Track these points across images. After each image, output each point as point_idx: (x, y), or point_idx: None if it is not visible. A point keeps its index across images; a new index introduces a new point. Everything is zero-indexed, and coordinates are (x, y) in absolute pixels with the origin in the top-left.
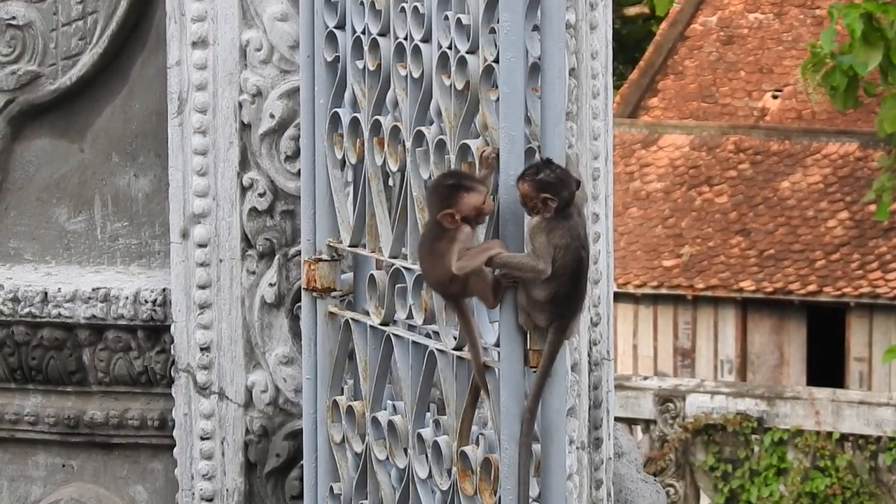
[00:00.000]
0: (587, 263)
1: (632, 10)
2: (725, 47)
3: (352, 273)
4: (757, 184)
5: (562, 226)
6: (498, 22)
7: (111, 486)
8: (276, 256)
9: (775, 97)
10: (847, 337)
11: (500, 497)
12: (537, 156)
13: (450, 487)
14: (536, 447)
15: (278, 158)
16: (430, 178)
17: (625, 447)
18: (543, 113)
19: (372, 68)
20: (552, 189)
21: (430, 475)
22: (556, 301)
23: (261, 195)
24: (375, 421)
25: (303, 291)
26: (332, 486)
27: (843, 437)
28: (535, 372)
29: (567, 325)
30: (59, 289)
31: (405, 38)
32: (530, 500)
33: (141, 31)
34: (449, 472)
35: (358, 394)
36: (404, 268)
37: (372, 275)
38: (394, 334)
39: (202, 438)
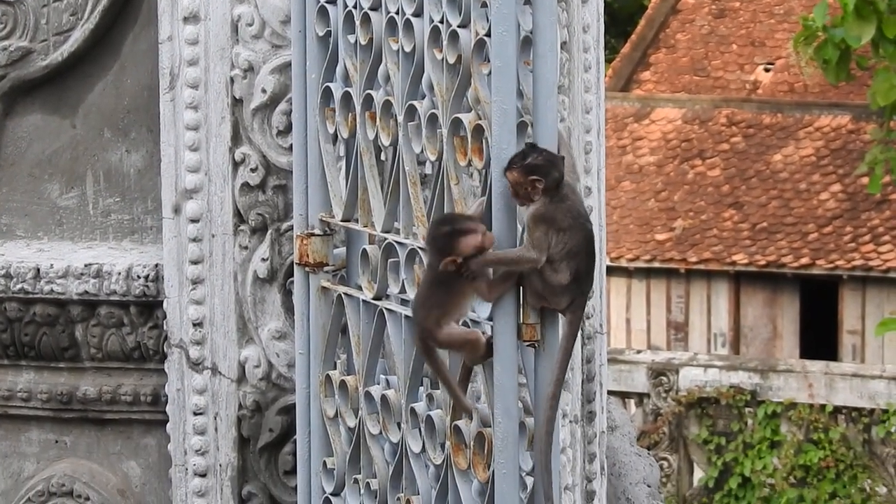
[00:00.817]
0: (593, 235)
1: None
2: (717, 20)
3: (344, 248)
4: (749, 157)
5: (560, 209)
6: None
7: (104, 462)
8: (269, 231)
9: (767, 70)
10: (840, 310)
11: (493, 471)
12: (529, 129)
13: (443, 461)
14: (529, 420)
15: (270, 133)
16: (422, 151)
17: (618, 421)
18: (535, 86)
19: (364, 42)
20: (540, 171)
21: (423, 449)
22: (577, 280)
23: (253, 170)
24: (369, 395)
25: (295, 266)
26: (325, 461)
27: (837, 410)
28: (528, 346)
29: (585, 302)
30: (52, 265)
31: (397, 12)
32: (523, 474)
33: (132, 7)
34: (442, 446)
35: (351, 368)
36: (397, 242)
37: (364, 249)
38: (387, 308)
39: (195, 414)
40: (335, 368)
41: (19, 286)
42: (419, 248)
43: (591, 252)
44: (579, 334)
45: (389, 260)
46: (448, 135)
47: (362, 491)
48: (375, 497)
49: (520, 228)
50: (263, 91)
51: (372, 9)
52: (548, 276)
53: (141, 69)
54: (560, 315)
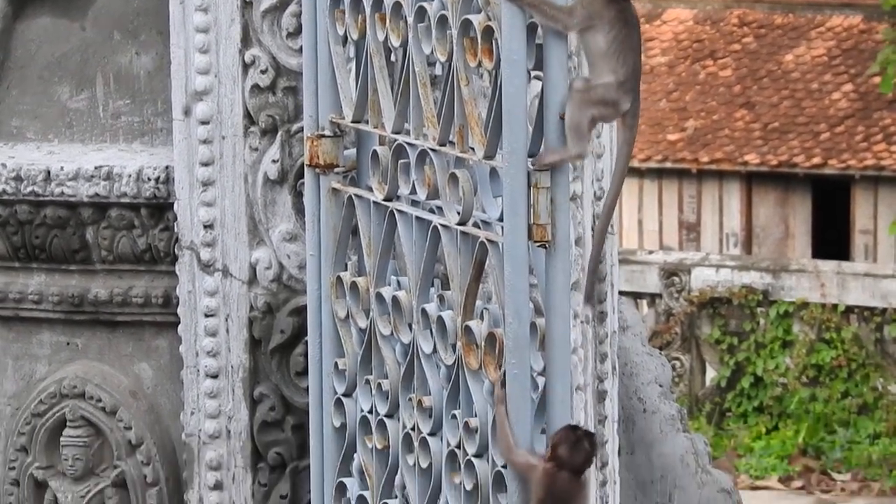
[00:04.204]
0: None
1: None
2: None
3: (354, 149)
4: (761, 57)
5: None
6: None
7: (116, 364)
8: (279, 133)
9: None
10: (852, 209)
11: (504, 371)
12: (539, 30)
13: (454, 362)
14: (540, 321)
15: (280, 35)
16: (432, 53)
17: (630, 321)
18: None
19: None
20: None
21: (434, 350)
22: (635, 76)
23: (263, 72)
24: (380, 297)
25: (306, 168)
26: (336, 362)
27: (849, 310)
28: (539, 246)
29: (639, 106)
30: (62, 167)
31: None
32: (534, 374)
33: None
34: (453, 347)
35: (362, 270)
36: (407, 143)
37: (375, 150)
38: (397, 210)
39: (206, 315)
40: (346, 270)
41: (30, 189)
42: (429, 148)
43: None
44: (590, 237)
45: (400, 161)
46: (458, 36)
47: (374, 391)
48: (387, 398)
49: (530, 128)
50: None
51: None
52: (604, 77)
53: None
54: (617, 122)
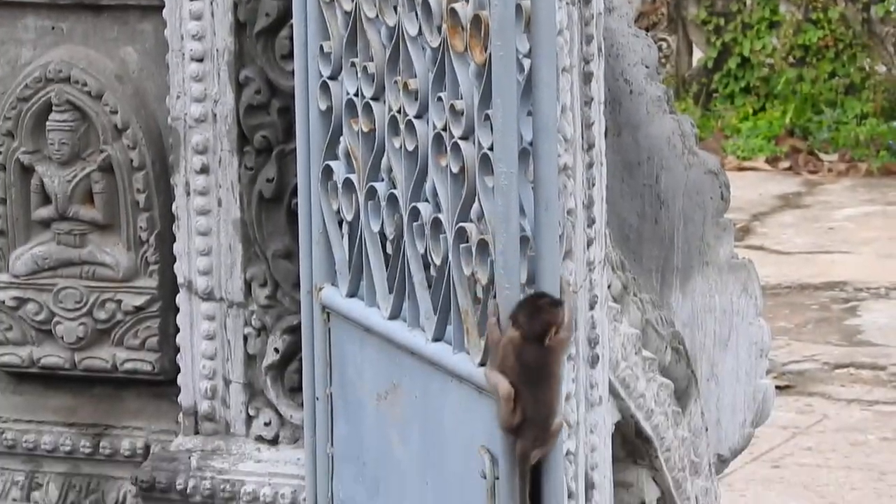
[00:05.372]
0: None
1: None
2: None
3: None
4: None
5: None
6: None
7: (101, 48)
8: None
9: None
10: None
11: (490, 53)
12: None
13: (440, 45)
14: (526, 3)
15: None
16: None
17: (615, 2)
18: None
19: None
20: None
21: (420, 32)
22: None
23: None
24: None
25: None
26: (321, 45)
27: None
28: None
29: None
30: None
31: None
32: (520, 56)
33: None
34: (439, 29)
35: None
36: None
37: None
38: None
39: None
40: None
41: None
42: None
43: None
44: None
45: None
46: None
47: (359, 74)
48: (373, 80)
49: None
50: None
51: None
52: None
53: None
54: None
